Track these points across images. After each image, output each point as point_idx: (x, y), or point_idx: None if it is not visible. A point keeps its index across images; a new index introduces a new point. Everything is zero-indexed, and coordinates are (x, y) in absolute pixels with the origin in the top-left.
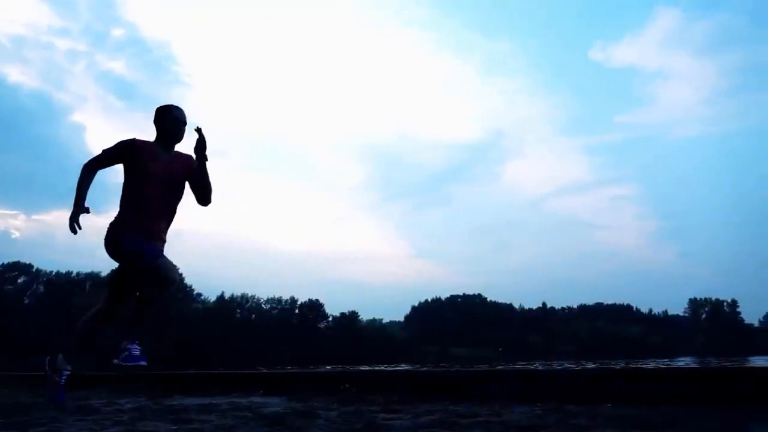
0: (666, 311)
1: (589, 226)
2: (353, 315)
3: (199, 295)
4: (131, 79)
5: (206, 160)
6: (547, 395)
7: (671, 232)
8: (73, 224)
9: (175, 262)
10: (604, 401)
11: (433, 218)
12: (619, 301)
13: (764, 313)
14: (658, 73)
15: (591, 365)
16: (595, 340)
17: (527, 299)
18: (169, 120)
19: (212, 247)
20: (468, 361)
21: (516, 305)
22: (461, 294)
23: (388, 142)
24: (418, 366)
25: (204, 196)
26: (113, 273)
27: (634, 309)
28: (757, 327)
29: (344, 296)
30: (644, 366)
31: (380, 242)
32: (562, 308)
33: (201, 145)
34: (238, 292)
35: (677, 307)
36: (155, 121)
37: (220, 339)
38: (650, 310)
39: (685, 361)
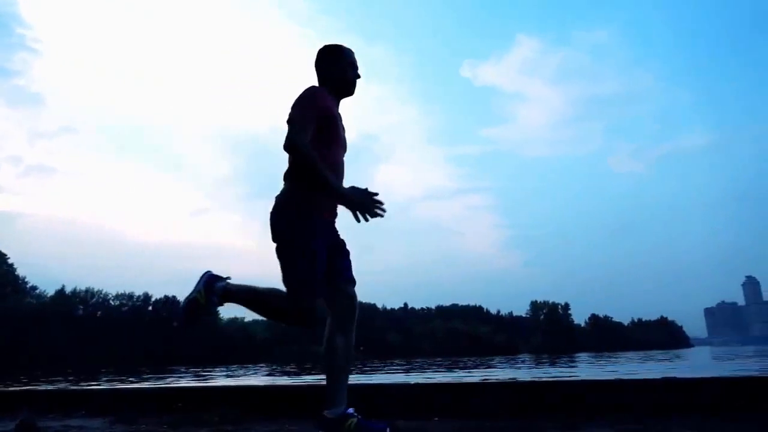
0: (511, 312)
1: (449, 231)
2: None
3: (34, 288)
4: None
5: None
6: (385, 410)
7: (519, 241)
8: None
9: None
10: (434, 415)
11: None
12: (472, 303)
13: (589, 315)
14: (516, 95)
15: (425, 376)
16: (450, 339)
17: (390, 299)
18: (348, 67)
19: (52, 233)
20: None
21: (379, 305)
22: None
23: (262, 135)
24: (276, 367)
25: None
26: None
27: (485, 310)
28: (582, 326)
29: None
30: (469, 380)
31: (246, 238)
32: (422, 308)
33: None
34: (81, 286)
35: (521, 308)
36: (323, 66)
37: (58, 338)
38: (498, 311)
39: (523, 358)
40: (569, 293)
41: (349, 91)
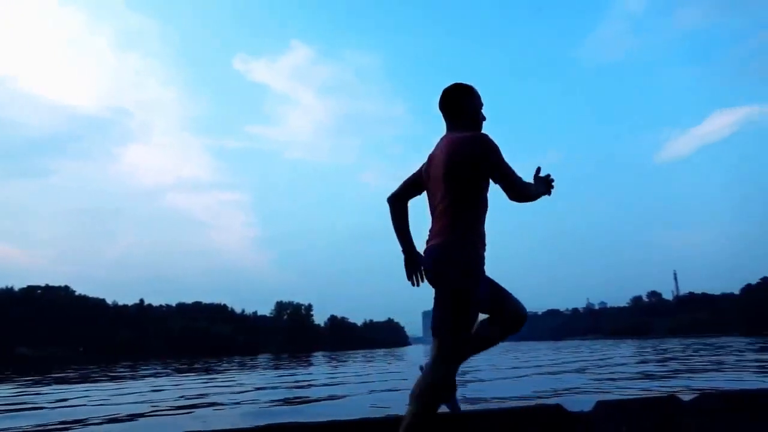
0: (256, 312)
1: (199, 225)
2: None
3: None
4: None
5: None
6: None
7: (269, 241)
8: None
9: None
10: None
11: (20, 192)
12: (216, 301)
13: (329, 316)
14: (285, 97)
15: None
16: (188, 338)
17: (124, 295)
18: (480, 107)
19: None
20: (36, 362)
21: (109, 300)
22: (43, 285)
23: None
24: None
25: None
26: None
27: (229, 309)
28: (322, 327)
29: None
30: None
31: None
32: (161, 305)
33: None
34: None
35: (266, 308)
36: (463, 104)
37: None
38: (243, 310)
39: (265, 357)
40: (312, 295)
41: (479, 130)
